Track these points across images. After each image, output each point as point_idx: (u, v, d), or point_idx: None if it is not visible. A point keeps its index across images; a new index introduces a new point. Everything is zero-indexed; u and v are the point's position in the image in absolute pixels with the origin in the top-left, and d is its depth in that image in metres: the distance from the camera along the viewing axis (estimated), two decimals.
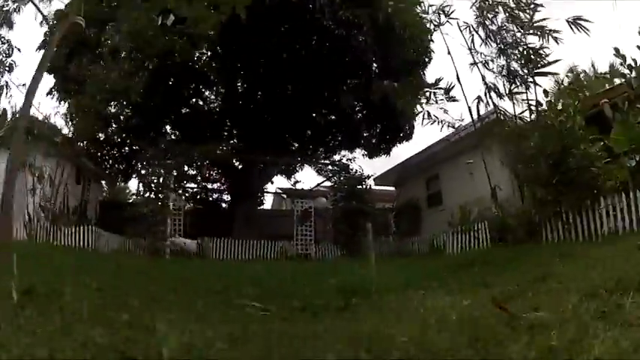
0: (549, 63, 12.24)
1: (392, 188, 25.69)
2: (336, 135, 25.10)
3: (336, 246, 19.35)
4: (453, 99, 18.70)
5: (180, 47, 19.91)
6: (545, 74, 12.47)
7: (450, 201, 19.00)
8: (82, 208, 22.07)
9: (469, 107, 13.95)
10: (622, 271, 4.89)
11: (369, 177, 21.73)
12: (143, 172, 20.85)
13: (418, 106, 20.86)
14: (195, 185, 25.63)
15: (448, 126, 18.28)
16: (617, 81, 13.26)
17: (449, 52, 14.21)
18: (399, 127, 23.38)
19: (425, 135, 74.15)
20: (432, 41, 21.34)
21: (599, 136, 11.33)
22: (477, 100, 13.69)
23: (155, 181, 19.95)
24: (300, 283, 7.14)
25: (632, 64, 11.35)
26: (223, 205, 24.93)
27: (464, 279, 6.82)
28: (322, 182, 25.11)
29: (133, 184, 29.89)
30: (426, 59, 22.31)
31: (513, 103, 13.20)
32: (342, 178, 22.06)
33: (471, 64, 13.67)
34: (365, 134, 24.70)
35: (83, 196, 23.64)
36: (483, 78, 13.55)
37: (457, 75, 14.17)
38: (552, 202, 11.53)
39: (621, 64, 11.56)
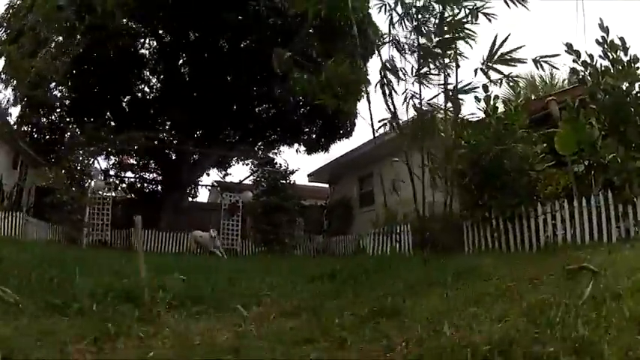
0: (465, 31, 9.02)
1: (326, 185, 22.48)
2: (277, 129, 22.26)
3: (254, 242, 16.22)
4: None
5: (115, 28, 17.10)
6: (454, 39, 9.22)
7: (381, 201, 15.97)
8: (16, 194, 19.00)
9: (367, 93, 10.70)
10: (514, 315, 3.10)
11: (293, 172, 18.60)
12: (67, 158, 17.53)
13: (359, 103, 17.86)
14: (133, 175, 22.19)
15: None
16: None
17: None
18: (340, 123, 20.85)
19: (369, 133, 70.62)
20: (383, 37, 18.28)
21: (537, 134, 8.73)
22: (379, 84, 10.37)
23: (78, 167, 17.31)
24: (108, 279, 5.43)
25: (588, 60, 8.47)
26: (158, 196, 21.49)
27: (309, 294, 5.47)
28: (248, 176, 21.97)
29: None
30: (369, 54, 19.26)
31: (420, 86, 9.96)
32: (265, 172, 18.74)
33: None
34: (305, 130, 21.99)
35: (20, 181, 20.44)
36: (388, 60, 10.27)
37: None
38: (481, 206, 8.97)
39: (574, 62, 8.72)
